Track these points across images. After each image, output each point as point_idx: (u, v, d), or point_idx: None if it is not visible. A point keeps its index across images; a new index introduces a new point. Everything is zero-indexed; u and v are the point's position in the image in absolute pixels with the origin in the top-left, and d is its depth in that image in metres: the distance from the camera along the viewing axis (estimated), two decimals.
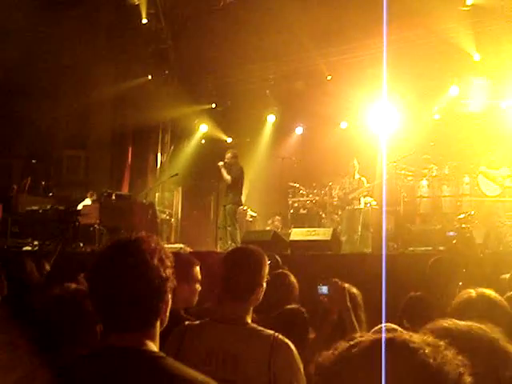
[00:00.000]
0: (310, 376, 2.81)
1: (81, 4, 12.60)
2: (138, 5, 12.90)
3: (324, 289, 3.74)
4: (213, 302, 3.86)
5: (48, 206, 12.71)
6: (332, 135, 15.81)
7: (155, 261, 1.99)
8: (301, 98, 15.37)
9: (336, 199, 13.03)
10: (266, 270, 3.15)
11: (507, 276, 4.16)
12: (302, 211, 14.23)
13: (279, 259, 6.02)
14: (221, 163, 12.00)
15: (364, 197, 12.54)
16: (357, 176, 12.59)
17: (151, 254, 2.00)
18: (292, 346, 2.87)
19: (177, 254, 3.99)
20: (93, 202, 13.08)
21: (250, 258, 3.11)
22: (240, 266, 3.07)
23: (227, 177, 11.92)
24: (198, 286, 3.68)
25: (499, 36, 12.73)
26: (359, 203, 12.38)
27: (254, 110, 16.03)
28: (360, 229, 12.13)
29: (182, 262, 3.71)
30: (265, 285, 3.10)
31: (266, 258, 3.19)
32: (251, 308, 3.10)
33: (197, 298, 3.71)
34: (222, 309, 3.07)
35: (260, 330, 2.96)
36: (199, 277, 3.68)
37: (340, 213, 12.92)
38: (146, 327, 1.99)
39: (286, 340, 2.89)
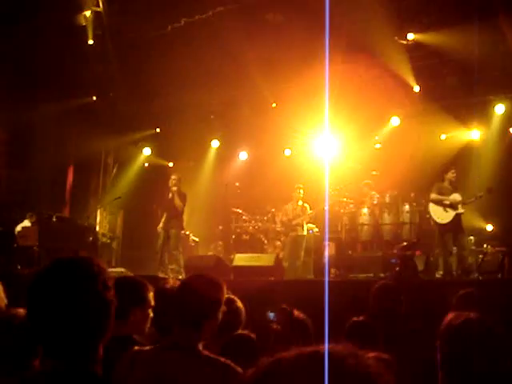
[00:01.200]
0: None
1: (27, 21, 12.40)
2: (85, 26, 12.81)
3: (271, 315, 3.74)
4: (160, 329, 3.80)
5: None
6: (276, 162, 15.90)
7: (98, 282, 1.95)
8: (246, 124, 15.45)
9: (279, 225, 13.10)
10: (223, 299, 3.14)
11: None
12: (244, 237, 14.25)
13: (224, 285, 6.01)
14: (174, 188, 11.93)
15: (307, 223, 12.65)
16: (300, 203, 12.70)
17: (94, 274, 1.95)
18: (242, 374, 2.84)
19: (129, 278, 3.96)
20: (32, 223, 12.79)
21: (209, 286, 3.09)
22: (199, 293, 3.04)
23: (180, 203, 11.88)
24: (151, 312, 3.64)
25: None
26: (302, 229, 12.47)
27: (198, 134, 16.01)
28: (303, 255, 12.21)
29: (137, 287, 3.66)
30: (220, 316, 3.09)
31: (225, 288, 3.18)
32: (205, 336, 3.07)
33: (149, 323, 3.66)
34: (175, 335, 3.02)
35: (211, 358, 2.93)
36: (152, 302, 3.64)
37: (283, 239, 12.99)
38: (89, 350, 1.93)
39: (238, 368, 2.86)
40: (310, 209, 12.65)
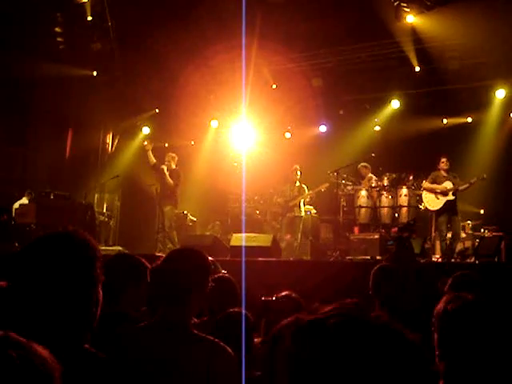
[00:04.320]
0: (252, 381, 2.80)
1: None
2: (84, 3, 12.71)
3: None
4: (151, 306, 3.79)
5: None
6: (276, 143, 15.93)
7: (85, 257, 1.93)
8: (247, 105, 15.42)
9: (276, 206, 13.12)
10: (209, 272, 3.09)
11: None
12: (241, 217, 14.26)
13: (217, 264, 6.00)
14: (164, 167, 12.02)
15: (304, 204, 12.67)
16: (297, 184, 12.71)
17: (81, 249, 1.93)
18: (230, 352, 2.81)
19: (126, 256, 3.95)
20: (30, 201, 12.79)
21: (192, 259, 3.00)
22: (182, 266, 2.94)
23: (170, 181, 11.93)
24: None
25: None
26: (300, 211, 12.48)
27: (197, 114, 15.96)
28: (300, 236, 12.24)
29: (133, 264, 3.65)
30: (207, 288, 3.03)
31: (209, 261, 3.12)
32: (193, 312, 3.05)
33: (144, 300, 3.65)
34: (163, 312, 2.97)
35: (198, 336, 2.88)
36: (148, 280, 3.63)
37: (280, 220, 13.01)
38: (75, 327, 1.91)
39: (226, 346, 2.82)
40: (308, 190, 12.67)
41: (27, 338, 1.83)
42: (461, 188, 10.95)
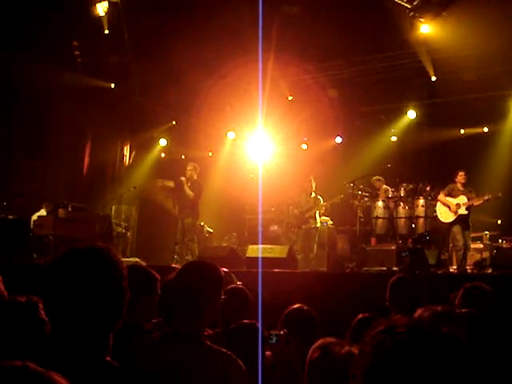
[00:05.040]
0: None
1: (44, 11, 12.50)
2: (101, 16, 12.86)
3: (274, 339, 3.71)
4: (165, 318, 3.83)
5: (1, 216, 12.48)
6: (293, 154, 15.95)
7: (114, 272, 1.95)
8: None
9: (292, 218, 13.11)
10: (222, 284, 3.14)
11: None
12: (258, 228, 14.28)
13: (233, 275, 6.02)
14: (183, 178, 12.01)
15: (320, 215, 12.64)
16: (313, 195, 12.68)
17: (110, 264, 1.96)
18: (242, 365, 2.85)
19: (139, 268, 3.99)
20: (48, 213, 12.88)
21: (205, 271, 3.07)
22: (195, 279, 3.02)
23: (190, 192, 11.92)
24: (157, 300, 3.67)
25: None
26: (315, 222, 12.46)
27: (213, 125, 16.03)
28: (315, 247, 12.21)
29: (145, 276, 3.69)
30: (220, 300, 3.08)
31: (222, 272, 3.17)
32: (205, 323, 3.08)
33: (155, 312, 3.69)
34: (176, 323, 3.03)
35: (211, 348, 2.92)
36: (159, 291, 3.67)
37: (296, 231, 12.99)
38: (101, 339, 1.94)
39: (238, 360, 2.87)
40: (324, 201, 12.64)
41: (52, 351, 1.87)
42: (475, 204, 10.95)
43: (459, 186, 11.17)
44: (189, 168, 12.20)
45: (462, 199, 10.96)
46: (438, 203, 11.26)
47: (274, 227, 14.80)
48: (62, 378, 1.23)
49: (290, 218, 13.55)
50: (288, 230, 13.75)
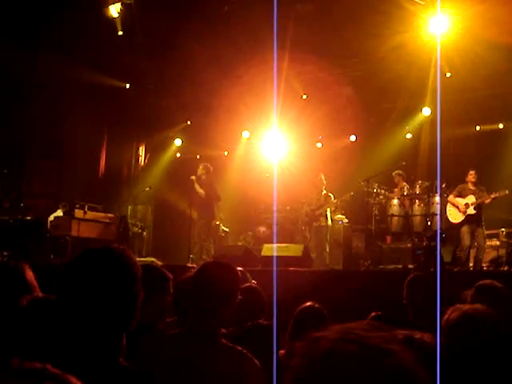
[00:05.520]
0: None
1: (57, 11, 12.60)
2: (115, 18, 12.92)
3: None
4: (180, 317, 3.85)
5: (19, 217, 12.60)
6: (308, 153, 15.94)
7: (129, 274, 1.96)
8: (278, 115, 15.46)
9: (304, 216, 13.06)
10: (239, 285, 3.16)
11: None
12: (274, 227, 14.30)
13: (247, 274, 6.04)
14: (193, 177, 12.04)
15: (331, 213, 12.56)
16: (324, 192, 12.63)
17: (125, 266, 1.97)
18: (257, 364, 2.88)
19: (152, 267, 4.01)
20: (64, 213, 12.98)
21: (224, 273, 3.09)
22: (213, 280, 3.04)
23: (200, 190, 11.95)
24: (170, 300, 3.69)
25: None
26: (326, 220, 12.40)
27: (228, 124, 16.05)
28: (328, 246, 12.15)
29: (157, 275, 3.72)
30: (236, 302, 3.10)
31: (239, 273, 3.20)
32: (222, 324, 3.10)
33: (168, 312, 3.72)
34: (193, 323, 3.05)
35: (227, 346, 2.95)
36: (171, 291, 3.70)
37: (308, 229, 12.95)
38: (115, 340, 1.95)
39: (253, 358, 2.89)
40: (334, 198, 12.58)
41: (65, 351, 1.89)
42: (485, 202, 10.88)
43: (470, 185, 11.10)
44: (200, 168, 12.24)
45: (471, 199, 10.90)
46: (448, 204, 11.21)
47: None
48: (78, 381, 1.25)
49: (301, 216, 13.51)
50: (303, 229, 13.70)
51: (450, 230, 11.51)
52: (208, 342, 2.94)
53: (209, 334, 2.97)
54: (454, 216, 11.02)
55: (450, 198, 11.19)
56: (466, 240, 10.79)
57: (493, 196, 10.79)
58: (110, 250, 2.01)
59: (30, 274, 3.29)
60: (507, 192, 10.75)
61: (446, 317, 2.41)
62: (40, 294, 3.17)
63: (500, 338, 2.29)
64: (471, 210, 10.84)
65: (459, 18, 11.72)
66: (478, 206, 10.85)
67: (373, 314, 4.08)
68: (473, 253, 10.99)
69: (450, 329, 2.36)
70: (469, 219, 10.86)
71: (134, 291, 1.98)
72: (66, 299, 1.95)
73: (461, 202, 10.96)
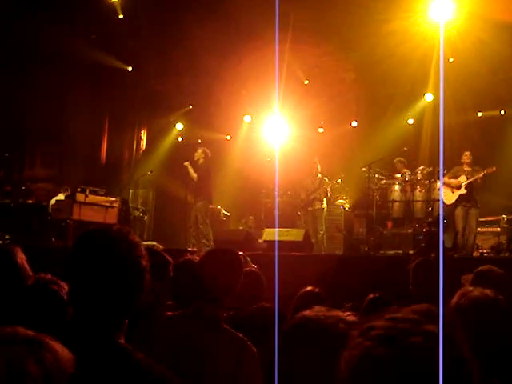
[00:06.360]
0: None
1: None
2: (114, 1, 12.89)
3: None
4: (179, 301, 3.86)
5: (20, 200, 12.63)
6: (310, 138, 15.92)
7: (135, 254, 1.97)
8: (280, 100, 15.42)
9: (300, 201, 13.02)
10: (242, 273, 3.18)
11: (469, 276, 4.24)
12: (275, 212, 14.30)
13: (248, 258, 6.04)
14: (187, 162, 12.01)
15: (326, 197, 12.51)
16: (319, 176, 12.60)
17: (131, 246, 1.96)
18: (256, 354, 2.91)
19: (151, 250, 4.02)
20: (66, 197, 12.99)
21: (228, 261, 3.12)
22: (218, 272, 3.06)
23: (194, 174, 11.90)
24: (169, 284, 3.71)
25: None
26: (320, 203, 12.41)
27: (230, 109, 16.03)
28: (323, 229, 12.13)
29: (157, 258, 3.72)
30: (238, 288, 3.13)
31: (243, 260, 3.22)
32: (224, 309, 3.13)
33: (168, 295, 3.73)
34: (195, 308, 3.07)
35: (229, 332, 2.98)
36: (171, 275, 3.71)
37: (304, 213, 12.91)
38: (120, 319, 1.95)
39: (252, 347, 2.93)
40: (329, 181, 12.55)
41: (70, 332, 1.90)
42: (476, 180, 10.72)
43: (465, 166, 10.98)
44: (197, 152, 12.19)
45: (463, 179, 10.83)
46: (444, 186, 11.15)
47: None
48: (56, 342, 1.24)
49: (298, 202, 13.46)
50: (297, 214, 13.64)
51: (451, 216, 11.50)
52: (210, 327, 2.97)
53: (212, 319, 3.00)
54: (448, 197, 10.96)
55: (445, 179, 11.09)
56: (459, 223, 10.72)
57: (481, 174, 10.67)
58: (115, 230, 2.02)
59: (21, 257, 3.31)
60: (494, 169, 10.68)
61: (454, 300, 2.41)
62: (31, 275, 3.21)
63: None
64: (462, 190, 10.78)
65: (463, 2, 11.66)
66: (470, 186, 10.72)
67: (370, 296, 4.09)
68: (471, 238, 10.91)
69: (462, 313, 2.37)
70: (462, 199, 10.79)
71: (141, 270, 1.97)
72: (74, 278, 1.95)
73: (454, 182, 10.91)
